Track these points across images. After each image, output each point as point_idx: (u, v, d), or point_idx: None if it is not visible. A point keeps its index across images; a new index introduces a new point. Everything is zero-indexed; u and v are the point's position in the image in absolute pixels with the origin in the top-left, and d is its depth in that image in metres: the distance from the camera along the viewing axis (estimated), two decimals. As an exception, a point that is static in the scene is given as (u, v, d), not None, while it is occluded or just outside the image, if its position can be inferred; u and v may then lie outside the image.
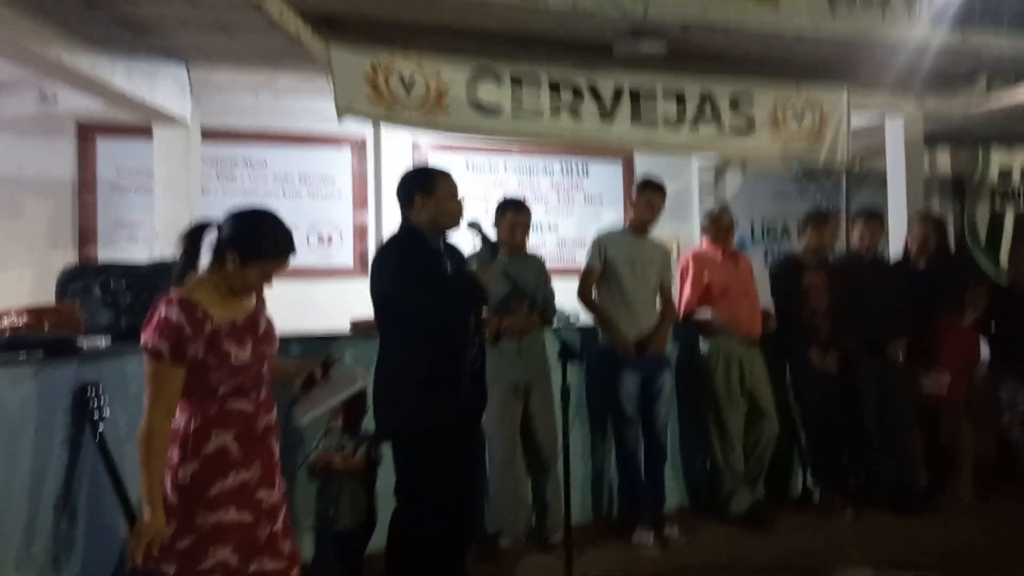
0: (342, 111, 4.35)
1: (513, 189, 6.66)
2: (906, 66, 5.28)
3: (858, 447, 4.97)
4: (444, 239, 3.27)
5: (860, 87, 5.47)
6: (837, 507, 4.75)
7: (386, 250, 3.22)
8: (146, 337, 2.22)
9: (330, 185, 6.42)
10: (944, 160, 7.76)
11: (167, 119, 4.23)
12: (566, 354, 3.32)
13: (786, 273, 5.00)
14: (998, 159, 7.92)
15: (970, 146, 7.62)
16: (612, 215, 7.01)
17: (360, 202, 6.47)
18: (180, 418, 2.28)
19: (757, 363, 4.75)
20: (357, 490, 3.47)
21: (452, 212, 3.21)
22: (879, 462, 4.92)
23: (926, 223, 5.27)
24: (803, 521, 4.66)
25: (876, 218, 5.20)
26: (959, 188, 7.85)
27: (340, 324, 4.31)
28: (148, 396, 2.21)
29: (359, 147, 6.46)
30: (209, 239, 2.38)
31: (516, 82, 4.73)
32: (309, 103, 5.96)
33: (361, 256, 6.40)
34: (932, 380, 5.01)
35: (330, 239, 6.36)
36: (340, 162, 6.45)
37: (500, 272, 3.56)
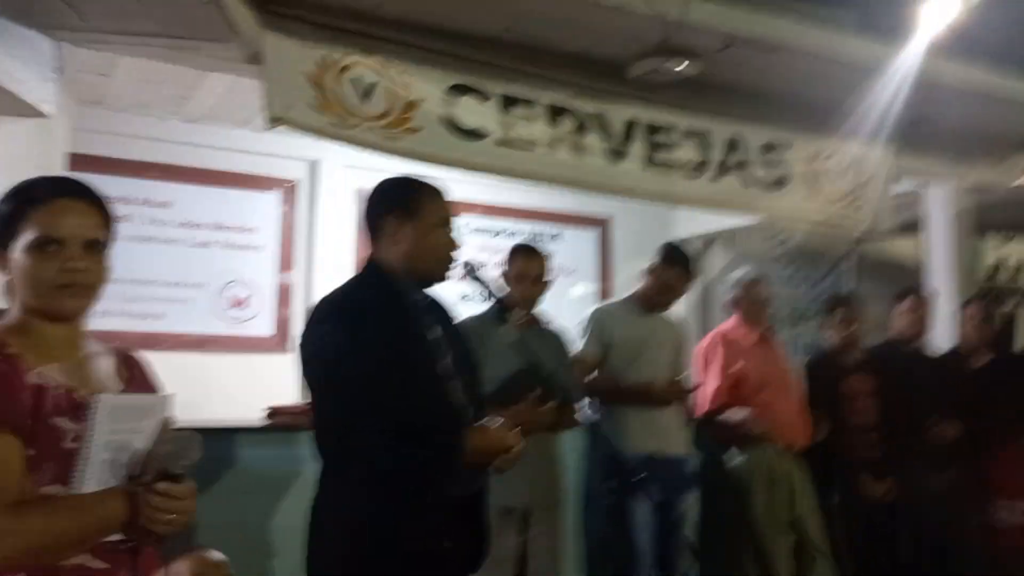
0: (275, 118, 3.15)
1: (475, 253, 5.56)
2: (955, 120, 4.42)
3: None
4: (425, 294, 2.11)
5: (903, 147, 4.56)
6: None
7: (332, 304, 2.02)
8: None
9: (250, 236, 5.17)
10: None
11: (22, 107, 2.99)
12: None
13: (824, 375, 3.98)
14: (994, 248, 7.21)
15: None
16: (586, 288, 5.97)
17: (286, 259, 5.24)
18: None
19: (806, 482, 3.65)
20: None
21: (441, 249, 2.05)
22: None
23: (982, 308, 4.37)
24: None
25: (924, 299, 4.32)
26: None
27: (252, 411, 3.24)
28: None
29: (290, 192, 5.27)
30: None
31: (507, 102, 3.64)
32: (230, 134, 4.84)
33: (282, 325, 5.13)
34: (1008, 512, 3.99)
35: (245, 302, 5.08)
36: (265, 209, 5.22)
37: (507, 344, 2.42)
